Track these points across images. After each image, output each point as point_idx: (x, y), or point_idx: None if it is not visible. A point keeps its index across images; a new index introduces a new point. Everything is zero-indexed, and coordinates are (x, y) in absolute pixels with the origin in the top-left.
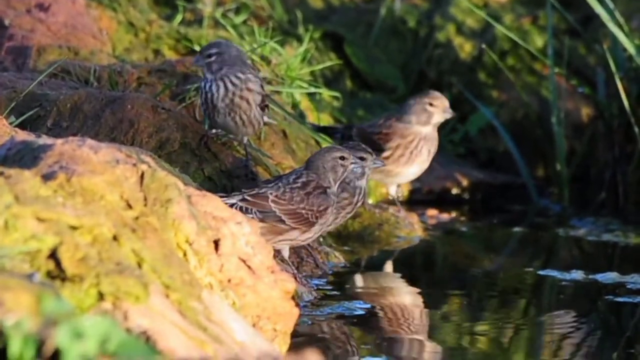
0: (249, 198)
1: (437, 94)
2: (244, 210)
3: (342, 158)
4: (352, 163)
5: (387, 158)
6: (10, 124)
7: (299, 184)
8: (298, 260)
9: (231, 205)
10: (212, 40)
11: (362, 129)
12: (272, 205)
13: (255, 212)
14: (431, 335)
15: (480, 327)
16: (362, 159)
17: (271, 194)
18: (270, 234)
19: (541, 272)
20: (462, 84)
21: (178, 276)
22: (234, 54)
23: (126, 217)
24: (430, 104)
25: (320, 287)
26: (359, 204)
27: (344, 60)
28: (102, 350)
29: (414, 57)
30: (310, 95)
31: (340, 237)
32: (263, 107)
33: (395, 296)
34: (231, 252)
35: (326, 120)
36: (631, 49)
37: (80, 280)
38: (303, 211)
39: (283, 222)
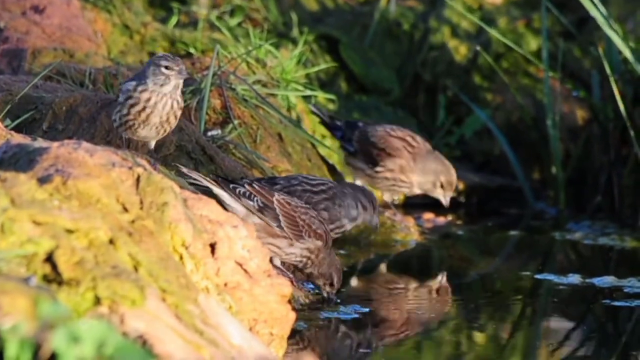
0: (256, 186)
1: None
2: (247, 196)
3: (364, 208)
4: (365, 215)
5: (378, 172)
6: (6, 127)
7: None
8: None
9: (235, 188)
10: (207, 43)
11: (365, 137)
12: (275, 202)
13: (257, 200)
14: (427, 339)
15: (477, 331)
16: (364, 207)
17: (279, 194)
18: (263, 232)
19: (537, 276)
20: (457, 86)
21: (174, 280)
22: None
23: (122, 221)
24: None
25: (317, 291)
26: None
27: (339, 63)
28: (98, 354)
29: (409, 60)
30: (306, 98)
31: (336, 240)
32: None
33: (392, 300)
34: (227, 255)
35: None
36: (626, 52)
37: (77, 284)
38: (300, 221)
39: (278, 221)
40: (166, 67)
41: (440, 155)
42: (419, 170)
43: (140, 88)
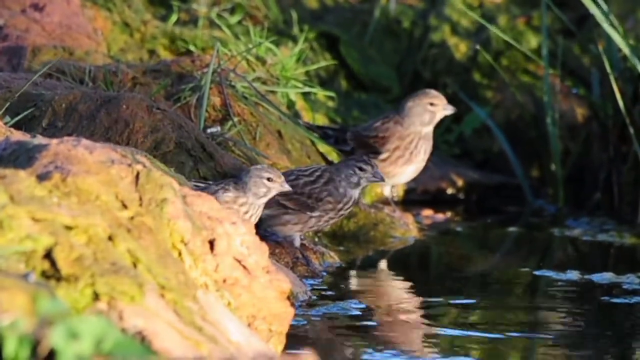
0: None
1: (433, 92)
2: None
3: (361, 169)
4: (366, 175)
5: (384, 160)
6: (5, 124)
7: (313, 178)
8: (293, 260)
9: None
10: (207, 40)
11: (357, 132)
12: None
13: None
14: (426, 335)
15: (475, 327)
16: (361, 169)
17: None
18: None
19: (536, 272)
20: (457, 84)
21: (173, 276)
22: None
23: (121, 217)
24: (431, 104)
25: (316, 287)
26: (343, 212)
27: (338, 61)
28: (97, 350)
29: (409, 58)
30: (305, 95)
31: (335, 237)
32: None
33: (390, 296)
34: (226, 252)
35: (321, 120)
36: (625, 50)
37: (76, 280)
38: (302, 197)
39: (284, 206)
40: (268, 179)
41: None
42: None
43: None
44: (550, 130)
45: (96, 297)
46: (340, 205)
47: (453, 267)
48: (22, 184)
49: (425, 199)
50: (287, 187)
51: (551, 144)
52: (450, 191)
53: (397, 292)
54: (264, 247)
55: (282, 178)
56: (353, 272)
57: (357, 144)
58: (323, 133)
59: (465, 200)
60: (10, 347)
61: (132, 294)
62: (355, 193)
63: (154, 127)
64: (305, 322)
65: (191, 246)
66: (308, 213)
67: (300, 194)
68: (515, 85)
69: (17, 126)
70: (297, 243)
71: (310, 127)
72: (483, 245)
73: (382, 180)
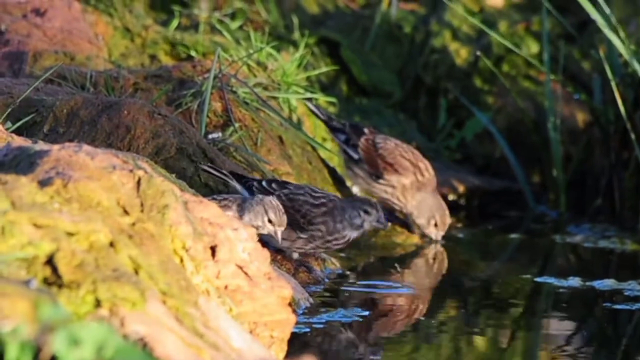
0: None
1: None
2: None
3: (367, 212)
4: (370, 219)
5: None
6: (7, 129)
7: (317, 202)
8: (295, 267)
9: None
10: (208, 46)
11: (374, 145)
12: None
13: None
14: (428, 342)
15: (477, 334)
16: (366, 212)
17: (279, 195)
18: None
19: (538, 279)
20: (458, 89)
21: (175, 282)
22: None
23: (123, 224)
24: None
25: (317, 294)
26: (330, 246)
27: (340, 66)
28: (98, 356)
29: (410, 63)
30: (307, 101)
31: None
32: None
33: (392, 303)
34: (228, 258)
35: (321, 126)
36: (627, 55)
37: (77, 286)
38: (292, 211)
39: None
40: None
41: (438, 195)
42: (418, 201)
43: None
44: (552, 136)
45: (98, 303)
46: (330, 238)
47: (455, 274)
48: (23, 190)
49: None
50: (278, 238)
51: (552, 149)
52: (451, 197)
53: (399, 298)
54: (266, 254)
55: (281, 226)
56: (354, 279)
57: (367, 159)
58: (332, 125)
59: (466, 206)
60: (12, 354)
61: (134, 300)
62: (354, 234)
63: (155, 132)
64: (307, 329)
65: (193, 252)
66: (297, 232)
67: (296, 210)
68: (517, 91)
69: (18, 132)
70: (295, 255)
71: (319, 113)
72: (485, 251)
73: (385, 227)
